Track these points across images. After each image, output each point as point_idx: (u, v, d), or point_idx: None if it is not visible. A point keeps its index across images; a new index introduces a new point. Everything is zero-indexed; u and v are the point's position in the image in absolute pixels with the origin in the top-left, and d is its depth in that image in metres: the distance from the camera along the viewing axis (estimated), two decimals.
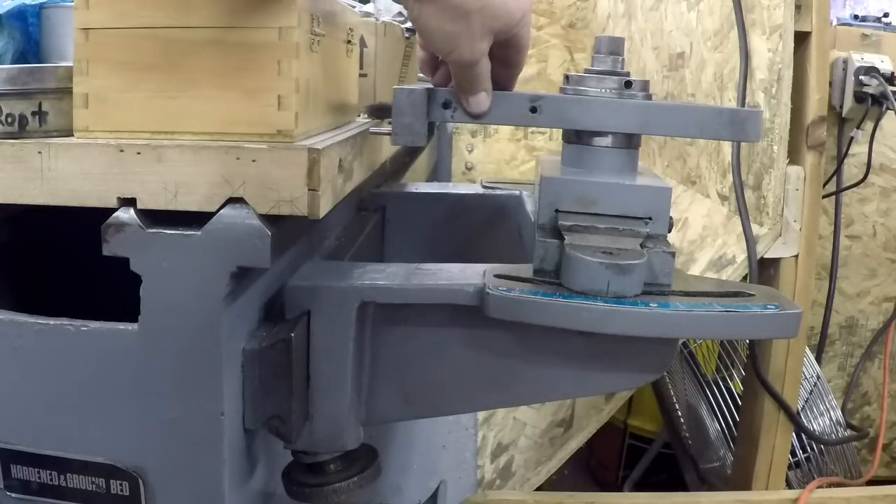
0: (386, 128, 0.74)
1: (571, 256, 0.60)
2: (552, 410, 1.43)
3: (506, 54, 0.69)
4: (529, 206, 0.91)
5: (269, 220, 0.56)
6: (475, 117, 0.68)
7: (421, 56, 0.73)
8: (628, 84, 0.68)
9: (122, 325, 0.57)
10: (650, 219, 0.66)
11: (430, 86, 0.69)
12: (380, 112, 0.84)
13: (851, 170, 1.61)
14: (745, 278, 1.17)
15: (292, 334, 0.60)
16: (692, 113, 0.68)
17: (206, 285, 0.56)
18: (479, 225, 1.02)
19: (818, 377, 1.53)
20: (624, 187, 0.67)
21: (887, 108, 1.43)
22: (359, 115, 0.88)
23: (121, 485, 0.59)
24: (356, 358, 0.65)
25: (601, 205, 0.66)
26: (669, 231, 0.67)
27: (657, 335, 0.61)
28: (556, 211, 0.67)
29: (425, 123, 0.68)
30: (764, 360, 1.25)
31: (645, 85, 0.69)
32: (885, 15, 1.68)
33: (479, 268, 0.66)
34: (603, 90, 0.68)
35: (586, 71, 0.70)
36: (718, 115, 0.67)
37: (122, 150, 0.57)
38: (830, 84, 1.46)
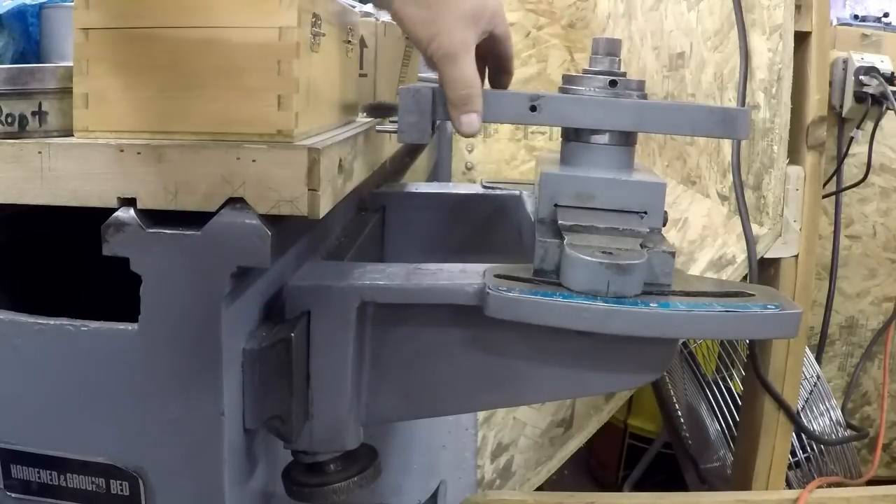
0: (391, 126, 0.75)
1: (571, 256, 0.60)
2: (552, 410, 1.43)
3: (494, 49, 0.69)
4: (529, 206, 0.91)
5: (269, 220, 0.56)
6: (466, 136, 0.68)
7: None
8: (613, 83, 0.70)
9: (122, 325, 0.57)
10: (645, 213, 0.67)
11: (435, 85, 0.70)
12: (379, 111, 0.84)
13: (851, 170, 1.61)
14: (745, 278, 1.17)
15: (292, 334, 0.60)
16: (684, 112, 0.70)
17: (206, 285, 0.56)
18: (479, 225, 1.02)
19: (818, 377, 1.53)
20: (620, 182, 0.68)
21: (887, 108, 1.43)
22: (359, 115, 0.88)
23: (121, 485, 0.59)
24: (356, 358, 0.65)
25: (598, 199, 0.68)
26: (664, 224, 0.69)
27: (657, 335, 0.61)
28: (556, 206, 0.68)
29: (430, 122, 0.69)
30: (764, 360, 1.25)
31: (640, 84, 0.70)
32: (885, 15, 1.68)
33: (479, 268, 0.66)
34: (595, 89, 0.70)
35: (584, 71, 0.72)
36: (710, 113, 0.69)
37: (122, 150, 0.57)
38: (830, 84, 1.46)
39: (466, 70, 0.65)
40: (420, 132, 0.69)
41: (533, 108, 0.69)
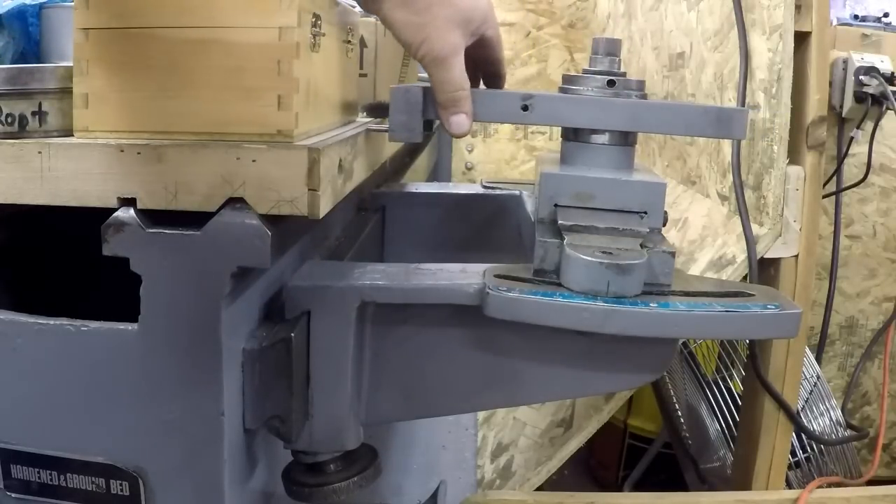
0: (384, 125, 0.76)
1: (571, 256, 0.60)
2: (552, 410, 1.43)
3: (483, 54, 0.70)
4: (529, 206, 0.91)
5: (269, 220, 0.56)
6: (455, 136, 0.69)
7: None
8: (611, 83, 0.70)
9: (122, 325, 0.57)
10: (645, 213, 0.67)
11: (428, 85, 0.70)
12: (378, 111, 0.84)
13: (851, 170, 1.61)
14: (745, 278, 1.17)
15: (292, 334, 0.60)
16: (678, 111, 0.70)
17: (206, 285, 0.56)
18: (479, 225, 1.02)
19: (818, 377, 1.53)
20: (620, 182, 0.68)
21: (887, 108, 1.43)
22: (359, 115, 0.88)
23: (121, 485, 0.59)
24: (356, 358, 0.65)
25: (598, 199, 0.68)
26: (664, 224, 0.69)
27: (657, 335, 0.61)
28: (556, 206, 0.68)
29: (421, 120, 0.69)
30: (764, 360, 1.25)
31: (640, 84, 0.70)
32: (885, 15, 1.68)
33: (479, 268, 0.66)
34: (594, 89, 0.70)
35: (584, 71, 0.71)
36: (704, 113, 0.69)
37: (122, 150, 0.57)
38: (830, 84, 1.46)
39: (455, 73, 0.66)
40: (409, 131, 0.70)
41: (525, 108, 0.69)
